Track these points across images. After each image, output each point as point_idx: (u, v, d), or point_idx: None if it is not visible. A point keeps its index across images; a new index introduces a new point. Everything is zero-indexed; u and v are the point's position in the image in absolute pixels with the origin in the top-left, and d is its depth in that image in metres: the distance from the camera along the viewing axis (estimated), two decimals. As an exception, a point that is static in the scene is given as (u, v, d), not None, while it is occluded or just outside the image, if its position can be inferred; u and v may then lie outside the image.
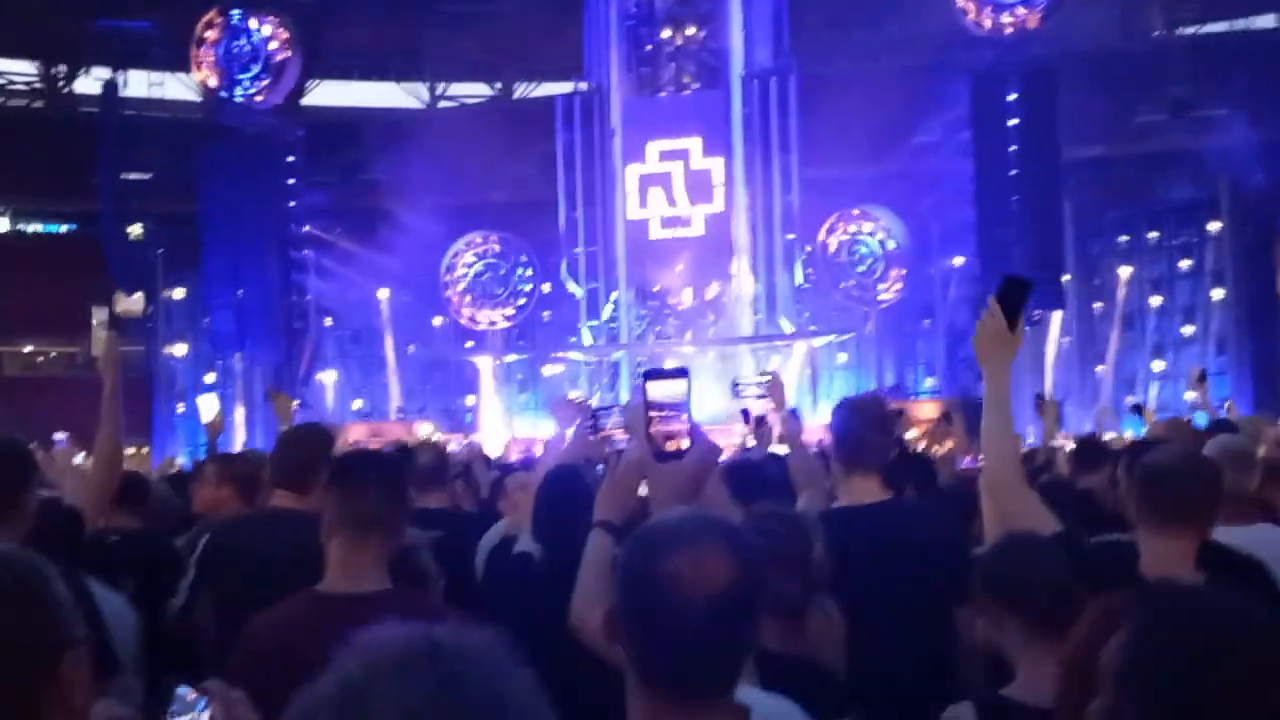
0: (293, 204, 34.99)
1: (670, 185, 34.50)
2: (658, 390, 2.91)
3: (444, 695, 1.14)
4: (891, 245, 34.44)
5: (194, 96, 37.96)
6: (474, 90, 43.44)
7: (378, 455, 4.84)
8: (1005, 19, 32.01)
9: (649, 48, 35.01)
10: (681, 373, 2.97)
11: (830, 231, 34.60)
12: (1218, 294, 32.35)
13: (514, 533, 5.62)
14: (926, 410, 31.47)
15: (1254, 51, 33.26)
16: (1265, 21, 35.91)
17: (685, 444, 2.89)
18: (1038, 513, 3.81)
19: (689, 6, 34.85)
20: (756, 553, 2.14)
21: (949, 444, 15.37)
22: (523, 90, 43.15)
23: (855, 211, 34.54)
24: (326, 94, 40.91)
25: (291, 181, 34.98)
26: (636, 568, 2.11)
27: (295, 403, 11.34)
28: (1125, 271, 32.87)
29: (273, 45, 34.65)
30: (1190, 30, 37.98)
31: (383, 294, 35.67)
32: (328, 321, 36.61)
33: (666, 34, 34.93)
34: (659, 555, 2.08)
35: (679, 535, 2.10)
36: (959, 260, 33.48)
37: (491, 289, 36.82)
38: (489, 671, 1.18)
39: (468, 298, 36.77)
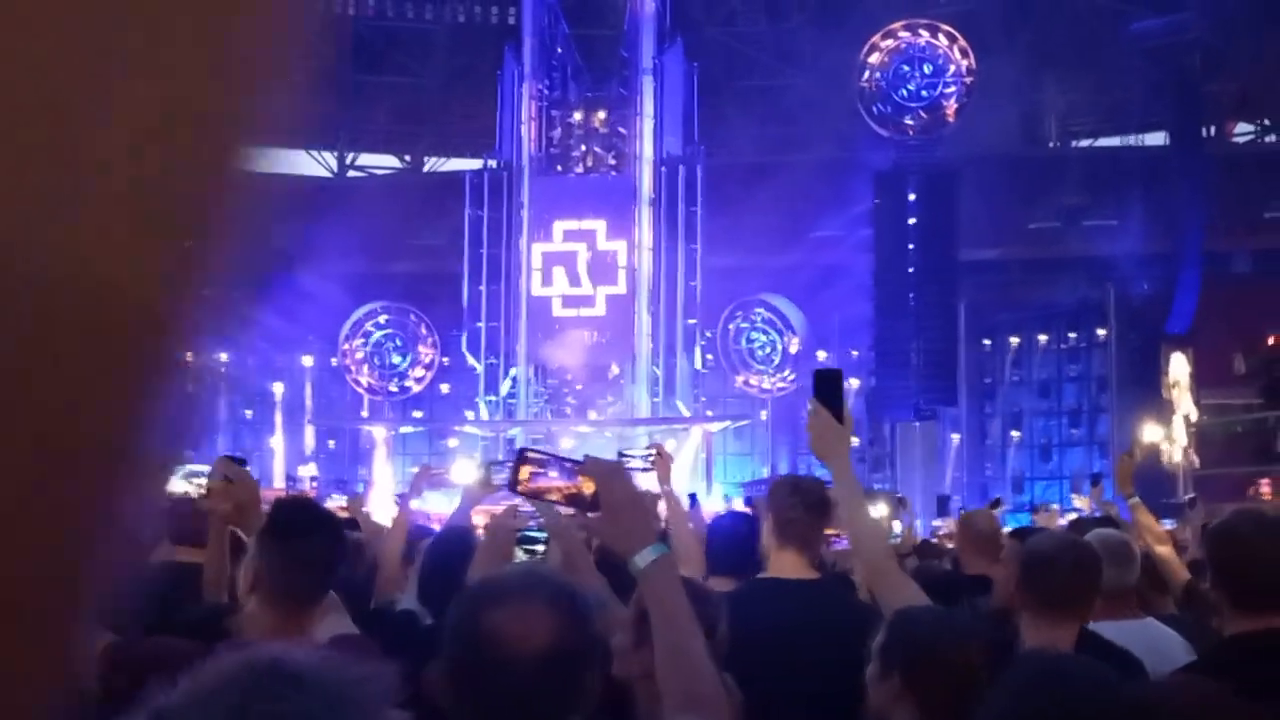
0: (193, 265, 34.54)
1: (574, 265, 34.76)
2: (528, 467, 2.89)
3: (243, 712, 1.07)
4: (790, 336, 34.90)
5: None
6: (384, 161, 43.48)
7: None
8: (909, 122, 32.87)
9: (560, 129, 35.38)
10: (520, 455, 2.93)
11: (730, 319, 34.99)
12: (1103, 398, 33.20)
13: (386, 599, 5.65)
14: (818, 500, 31.94)
15: (1144, 167, 34.46)
16: (1155, 139, 37.26)
17: (579, 486, 2.82)
18: (916, 598, 3.91)
19: (602, 91, 35.38)
20: (586, 610, 2.13)
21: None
22: (433, 164, 43.27)
23: (756, 300, 34.97)
24: (234, 157, 40.61)
25: (193, 242, 34.56)
26: (461, 625, 2.09)
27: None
28: (1014, 373, 33.66)
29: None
30: (1085, 143, 39.30)
31: (281, 361, 35.31)
32: (222, 386, 36.11)
33: (578, 117, 35.35)
34: (483, 612, 2.06)
35: (503, 592, 2.09)
36: (855, 353, 34.00)
37: (390, 359, 36.62)
38: (317, 702, 1.08)
39: (366, 367, 36.53)
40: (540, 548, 3.57)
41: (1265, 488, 13.37)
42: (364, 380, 36.50)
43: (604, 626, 2.19)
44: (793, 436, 35.10)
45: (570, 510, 2.94)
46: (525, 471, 2.89)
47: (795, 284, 34.08)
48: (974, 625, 3.93)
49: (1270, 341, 15.41)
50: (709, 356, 34.74)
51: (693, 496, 8.89)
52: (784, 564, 4.82)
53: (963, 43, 33.19)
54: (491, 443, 34.89)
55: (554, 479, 2.93)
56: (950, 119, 32.87)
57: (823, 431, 3.75)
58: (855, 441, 3.96)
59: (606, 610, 2.60)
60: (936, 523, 21.23)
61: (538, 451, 2.93)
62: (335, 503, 22.24)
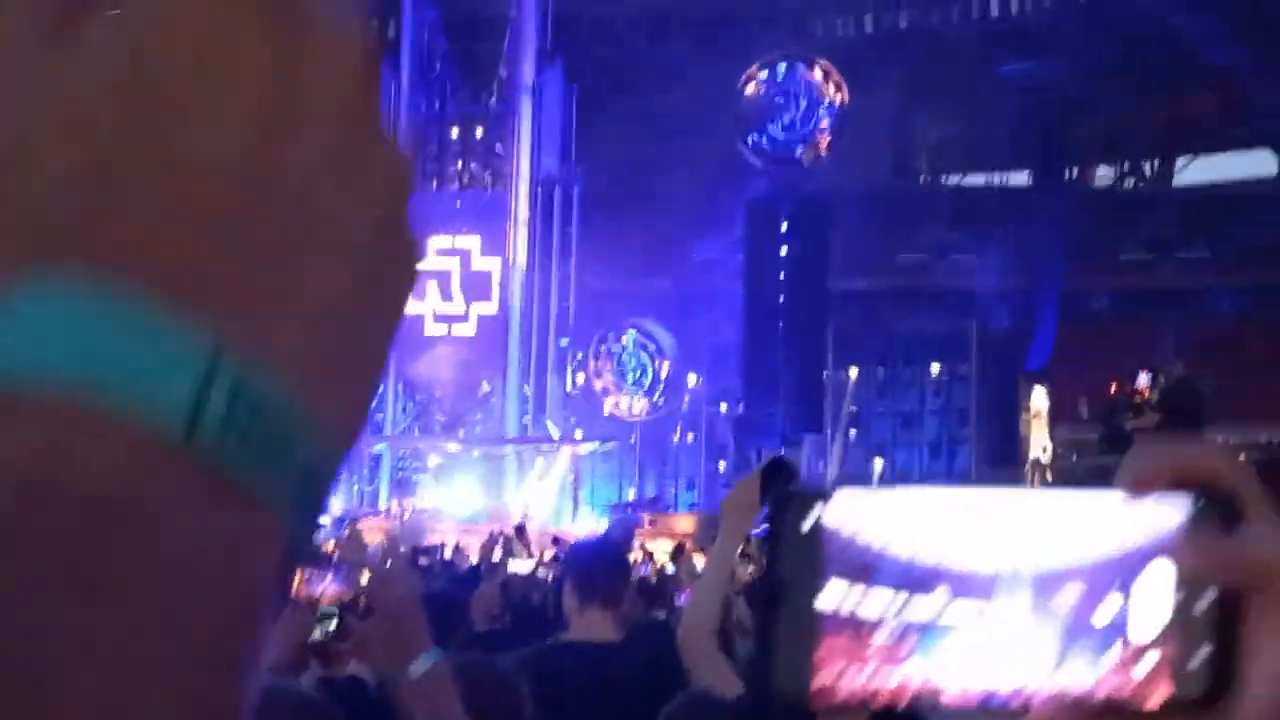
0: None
1: (447, 282, 34.58)
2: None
3: None
4: (661, 359, 35.10)
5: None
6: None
7: None
8: (782, 153, 33.33)
9: (437, 145, 35.21)
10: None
11: (602, 341, 35.06)
12: (962, 431, 33.93)
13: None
14: (683, 523, 32.14)
15: (1008, 205, 35.34)
16: (1020, 178, 38.24)
17: (353, 592, 2.78)
18: (722, 672, 3.95)
19: (479, 107, 35.28)
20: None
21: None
22: (307, 172, 42.78)
23: (628, 323, 35.11)
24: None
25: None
26: None
27: None
28: (880, 403, 34.25)
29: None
30: (954, 179, 40.18)
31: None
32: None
33: (455, 133, 35.22)
34: None
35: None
36: (726, 379, 34.32)
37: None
38: None
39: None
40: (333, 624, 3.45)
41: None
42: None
43: None
44: (660, 460, 35.34)
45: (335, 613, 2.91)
46: (298, 583, 2.89)
47: (668, 308, 34.29)
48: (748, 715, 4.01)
49: (1113, 389, 15.93)
50: (580, 378, 34.78)
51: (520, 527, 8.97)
52: (587, 625, 4.86)
53: (837, 76, 33.72)
54: (357, 459, 34.53)
55: (328, 584, 2.93)
56: (823, 152, 33.37)
57: (742, 499, 3.81)
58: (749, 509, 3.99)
59: None
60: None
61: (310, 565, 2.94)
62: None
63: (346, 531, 15.23)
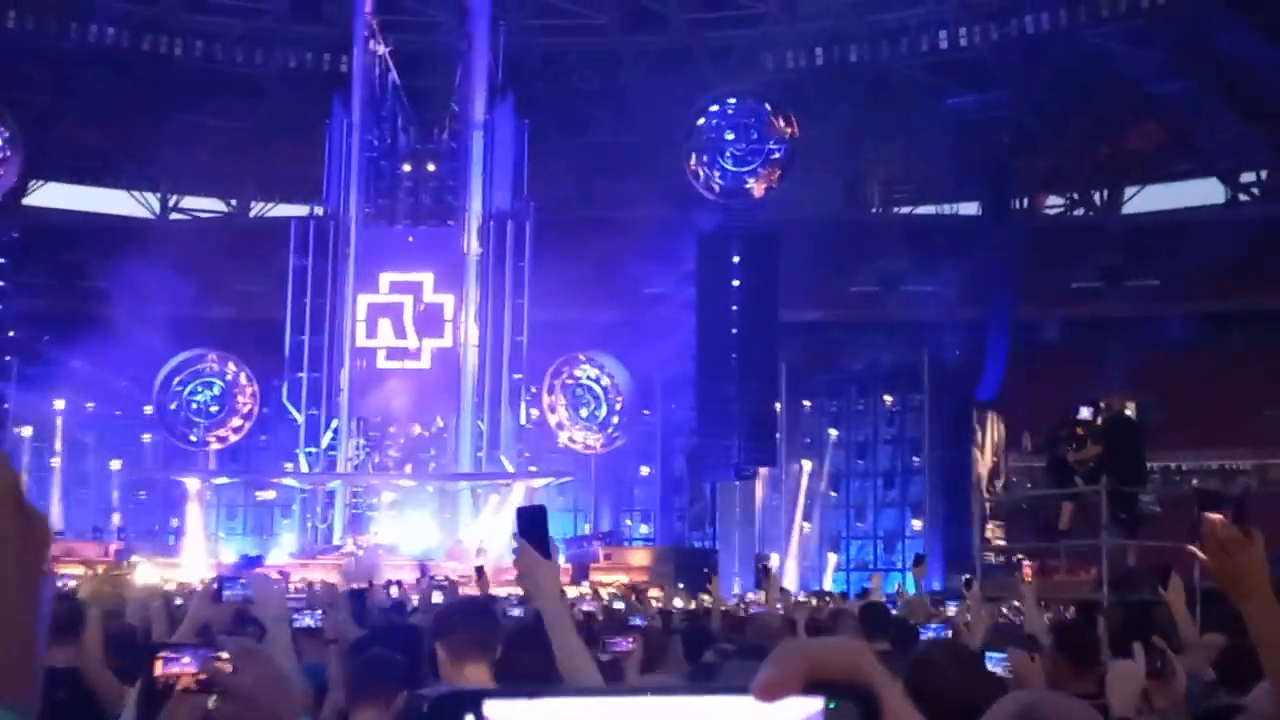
0: (1, 307, 33.44)
1: (401, 317, 34.50)
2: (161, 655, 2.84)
3: None
4: (615, 393, 35.05)
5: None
6: (207, 205, 42.67)
7: None
8: (733, 186, 33.45)
9: (388, 181, 35.16)
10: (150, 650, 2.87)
11: (556, 375, 34.98)
12: (916, 460, 34.04)
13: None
14: (639, 557, 32.11)
15: (958, 235, 35.61)
16: (969, 209, 38.58)
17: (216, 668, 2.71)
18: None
19: (431, 144, 35.25)
20: None
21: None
22: (259, 209, 42.59)
23: (581, 357, 35.06)
24: (50, 196, 39.56)
25: (1, 283, 33.46)
26: None
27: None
28: (833, 434, 34.31)
29: (-10, 141, 33.39)
30: (905, 210, 40.49)
31: (89, 406, 34.30)
32: (26, 432, 34.79)
33: (407, 168, 35.17)
34: None
35: None
36: (679, 411, 34.31)
37: (207, 408, 35.72)
38: None
39: (181, 415, 35.58)
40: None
41: (1026, 570, 13.87)
42: (179, 428, 35.54)
43: None
44: (616, 493, 35.29)
45: (205, 696, 2.83)
46: (158, 665, 2.85)
47: (621, 340, 34.24)
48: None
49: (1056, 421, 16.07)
50: (534, 412, 34.69)
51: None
52: (466, 679, 4.81)
53: (786, 111, 33.90)
54: (311, 495, 34.29)
55: (186, 665, 2.87)
56: (774, 184, 33.52)
57: (530, 568, 3.74)
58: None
59: None
60: (753, 596, 21.27)
61: (168, 646, 2.90)
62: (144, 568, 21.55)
63: (93, 572, 14.96)
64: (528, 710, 0.60)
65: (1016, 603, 15.79)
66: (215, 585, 5.75)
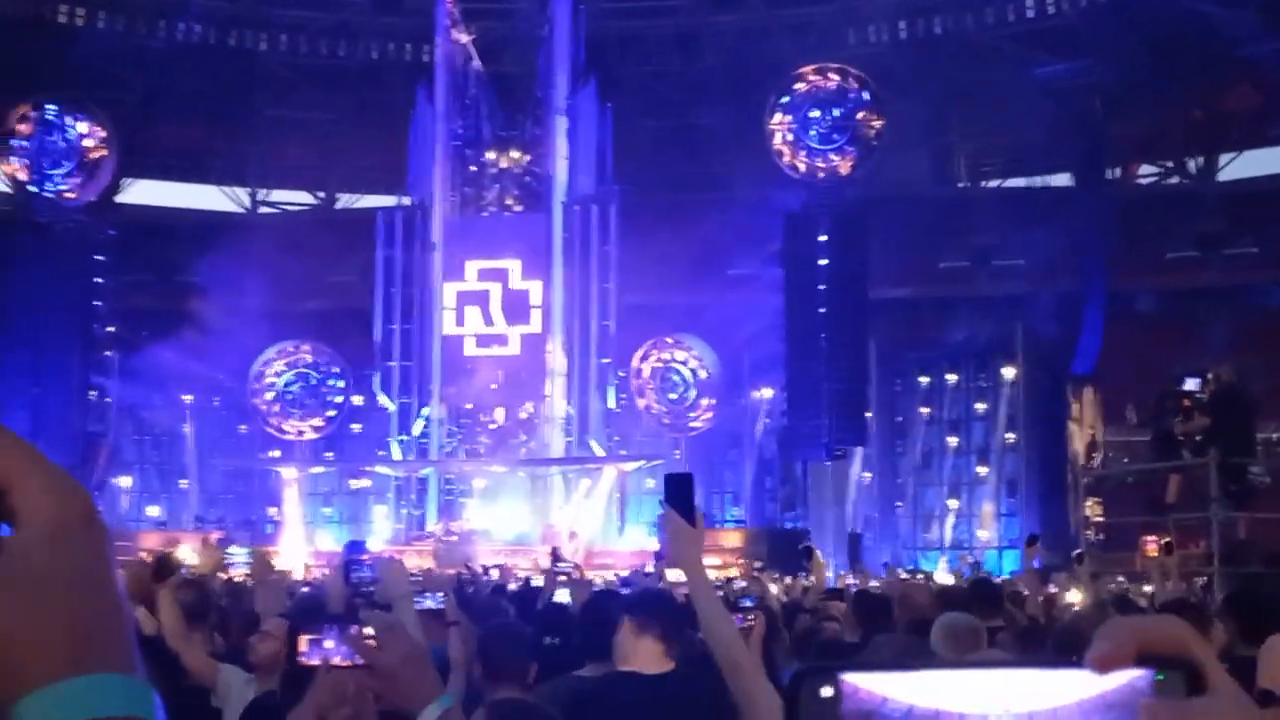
0: (99, 303, 34.09)
1: (488, 304, 34.68)
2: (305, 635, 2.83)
3: None
4: (703, 375, 35.00)
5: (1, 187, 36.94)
6: (296, 198, 43.14)
7: None
8: (819, 164, 33.16)
9: (474, 168, 35.34)
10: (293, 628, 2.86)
11: (644, 358, 34.99)
12: (1010, 437, 33.59)
13: (267, 689, 5.50)
14: (731, 539, 32.05)
15: (1050, 207, 34.99)
16: (1061, 179, 37.90)
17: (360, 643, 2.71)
18: (769, 695, 3.93)
19: (516, 131, 35.38)
20: None
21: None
22: (346, 200, 43.00)
23: (669, 340, 35.03)
24: (144, 193, 40.21)
25: (100, 280, 34.10)
26: None
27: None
28: (924, 411, 33.97)
29: (88, 143, 34.00)
30: (994, 183, 39.86)
31: (187, 399, 34.88)
32: (126, 426, 35.51)
33: (492, 156, 35.34)
34: None
35: None
36: (768, 392, 34.14)
37: (301, 399, 36.22)
38: None
39: (276, 406, 36.10)
40: None
41: (1150, 547, 13.49)
42: (274, 419, 36.06)
43: None
44: (707, 476, 35.17)
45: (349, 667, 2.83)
46: (303, 641, 2.85)
47: (708, 322, 34.15)
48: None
49: (1160, 393, 15.75)
50: (622, 396, 34.72)
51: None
52: (639, 655, 4.83)
53: (871, 86, 33.54)
54: (404, 483, 34.63)
55: (330, 644, 2.86)
56: (860, 160, 33.19)
57: (676, 536, 3.73)
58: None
59: None
60: (849, 579, 21.12)
61: (311, 624, 2.89)
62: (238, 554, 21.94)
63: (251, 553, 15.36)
64: (882, 682, 0.67)
65: (1121, 578, 15.54)
66: (343, 567, 5.78)
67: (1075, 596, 11.64)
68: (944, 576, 21.06)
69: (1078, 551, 12.53)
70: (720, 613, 4.05)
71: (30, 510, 0.74)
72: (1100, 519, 22.63)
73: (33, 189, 33.94)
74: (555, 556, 12.54)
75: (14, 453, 0.75)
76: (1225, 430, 14.15)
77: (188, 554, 17.71)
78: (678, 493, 3.70)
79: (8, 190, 36.27)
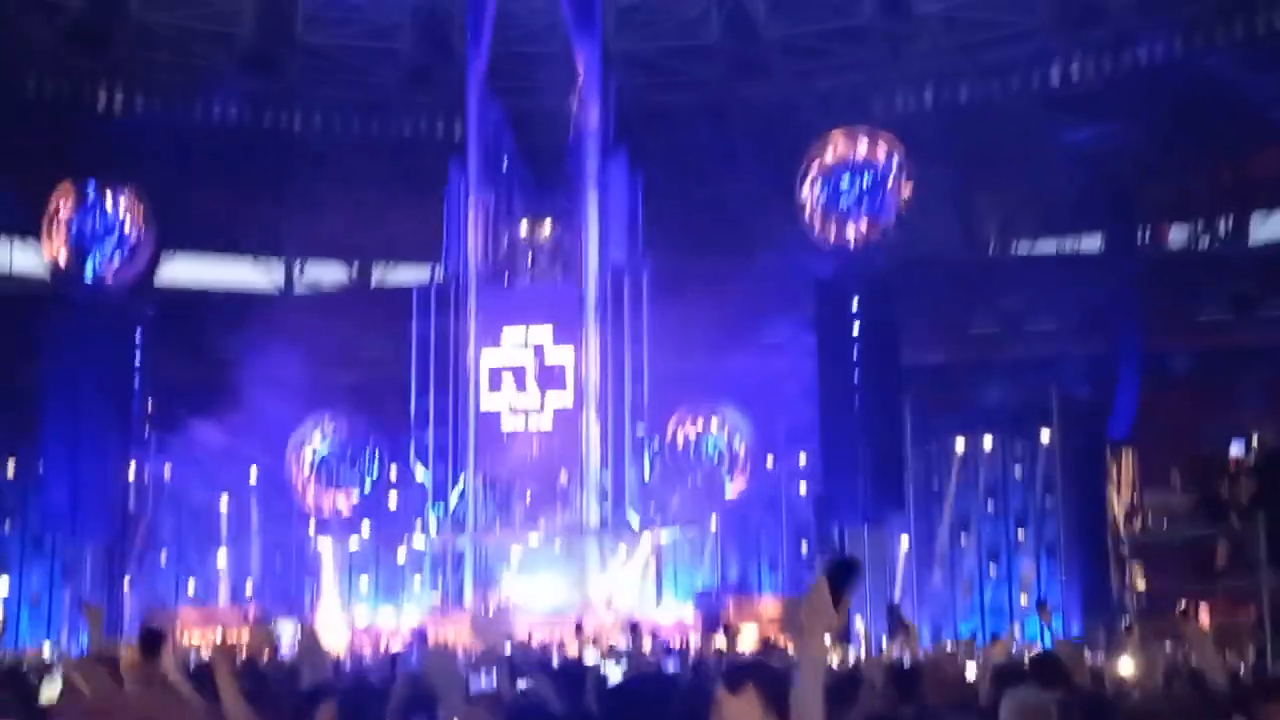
0: (138, 382, 34.43)
1: (522, 374, 34.89)
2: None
3: None
4: (738, 442, 34.99)
5: (39, 262, 37.37)
6: (330, 270, 43.57)
7: None
8: (849, 233, 33.31)
9: (506, 239, 35.71)
10: None
11: (678, 425, 35.05)
12: (1048, 501, 33.37)
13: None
14: (769, 608, 31.89)
15: (1080, 270, 35.08)
16: (1091, 242, 37.98)
17: None
18: None
19: (547, 203, 35.73)
20: None
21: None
22: (381, 271, 43.42)
23: (703, 407, 35.09)
24: (179, 269, 40.66)
25: (139, 359, 34.46)
26: None
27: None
28: (959, 476, 33.81)
29: (126, 221, 34.43)
30: (1024, 247, 39.97)
31: (224, 475, 35.07)
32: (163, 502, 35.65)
33: (524, 227, 35.69)
34: None
35: None
36: (803, 458, 34.11)
37: (338, 471, 36.35)
38: None
39: (313, 480, 36.24)
40: None
41: (1205, 615, 13.40)
42: (311, 493, 36.18)
43: None
44: (742, 545, 35.09)
45: None
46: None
47: (742, 389, 34.15)
48: None
49: (1204, 457, 15.60)
50: (656, 463, 34.76)
51: None
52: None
53: (901, 150, 33.74)
54: (440, 555, 34.63)
55: None
56: (891, 228, 33.34)
57: (816, 609, 3.81)
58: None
59: None
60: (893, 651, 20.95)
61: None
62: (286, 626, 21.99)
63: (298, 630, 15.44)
64: None
65: (1168, 647, 15.42)
66: (389, 660, 5.88)
67: (1127, 667, 11.59)
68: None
69: (1127, 623, 12.47)
70: (819, 694, 4.11)
71: None
72: (1143, 586, 22.47)
73: (73, 269, 34.34)
74: (634, 629, 12.54)
75: None
76: (1273, 494, 14.12)
77: (235, 635, 17.80)
78: (839, 575, 3.79)
79: (44, 271, 36.78)
